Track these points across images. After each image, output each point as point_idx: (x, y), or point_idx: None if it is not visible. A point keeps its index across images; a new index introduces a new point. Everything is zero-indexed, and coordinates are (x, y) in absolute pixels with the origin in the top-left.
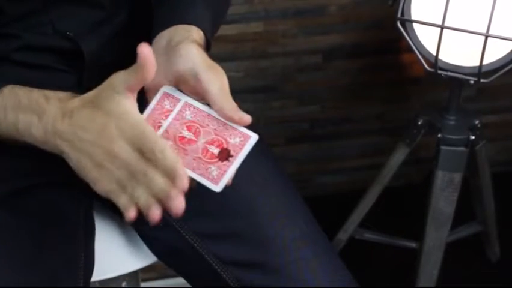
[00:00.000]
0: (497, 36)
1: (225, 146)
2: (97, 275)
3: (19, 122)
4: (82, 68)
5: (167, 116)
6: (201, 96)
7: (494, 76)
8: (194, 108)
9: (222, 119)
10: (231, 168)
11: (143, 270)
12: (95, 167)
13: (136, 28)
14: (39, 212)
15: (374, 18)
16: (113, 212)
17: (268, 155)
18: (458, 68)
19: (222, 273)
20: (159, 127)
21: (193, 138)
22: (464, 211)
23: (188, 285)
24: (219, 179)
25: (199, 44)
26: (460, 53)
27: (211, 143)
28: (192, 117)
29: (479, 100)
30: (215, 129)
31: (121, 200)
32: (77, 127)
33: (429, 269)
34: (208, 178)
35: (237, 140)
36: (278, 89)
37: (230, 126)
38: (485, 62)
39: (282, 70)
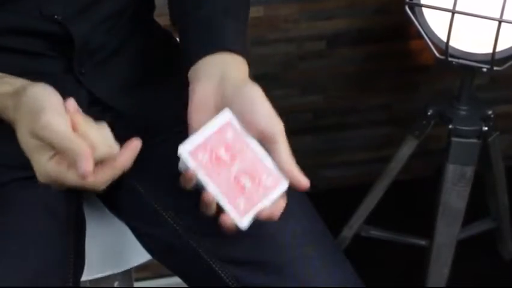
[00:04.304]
0: None
1: (257, 182)
2: (88, 274)
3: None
4: (71, 53)
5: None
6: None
7: (508, 63)
8: (236, 131)
9: (260, 152)
10: (257, 208)
11: (137, 269)
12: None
13: (127, 11)
14: (26, 208)
15: (381, 2)
16: (104, 208)
17: None
18: (470, 55)
19: (220, 272)
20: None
21: (228, 161)
22: (477, 207)
23: (185, 285)
24: (244, 213)
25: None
26: (471, 39)
27: (245, 173)
28: (231, 139)
29: (492, 89)
30: (252, 160)
31: None
32: None
33: (440, 267)
34: (234, 207)
35: (269, 180)
36: (279, 78)
37: (267, 162)
38: (498, 49)
39: (283, 57)
